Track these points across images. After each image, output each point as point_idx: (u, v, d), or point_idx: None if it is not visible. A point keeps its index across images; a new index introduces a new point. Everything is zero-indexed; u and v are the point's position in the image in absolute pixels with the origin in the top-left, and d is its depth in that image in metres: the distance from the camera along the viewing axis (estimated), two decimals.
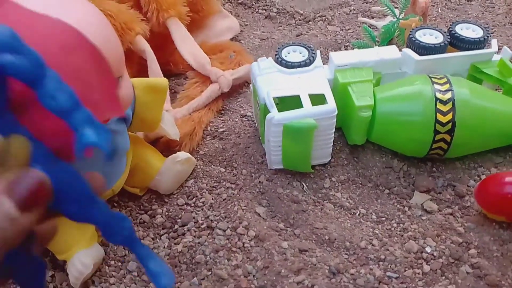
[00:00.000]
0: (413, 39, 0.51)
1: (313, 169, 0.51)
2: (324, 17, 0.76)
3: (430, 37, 0.52)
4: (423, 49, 0.50)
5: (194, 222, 0.46)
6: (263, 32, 0.76)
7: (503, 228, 0.43)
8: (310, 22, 0.76)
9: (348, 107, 0.49)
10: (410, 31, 0.52)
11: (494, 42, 0.52)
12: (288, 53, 0.51)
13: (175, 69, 0.66)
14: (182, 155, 0.49)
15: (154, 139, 0.52)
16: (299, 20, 0.77)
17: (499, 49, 0.52)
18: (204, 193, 0.49)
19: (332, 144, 0.49)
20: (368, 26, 0.71)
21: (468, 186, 0.47)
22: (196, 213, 0.47)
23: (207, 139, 0.55)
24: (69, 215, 0.23)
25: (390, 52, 0.51)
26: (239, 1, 0.83)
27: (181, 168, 0.48)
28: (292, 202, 0.47)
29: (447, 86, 0.46)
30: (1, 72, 0.20)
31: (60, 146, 0.23)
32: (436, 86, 0.46)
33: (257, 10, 0.81)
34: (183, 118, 0.55)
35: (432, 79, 0.47)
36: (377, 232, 0.45)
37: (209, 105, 0.57)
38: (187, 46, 0.60)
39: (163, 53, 0.65)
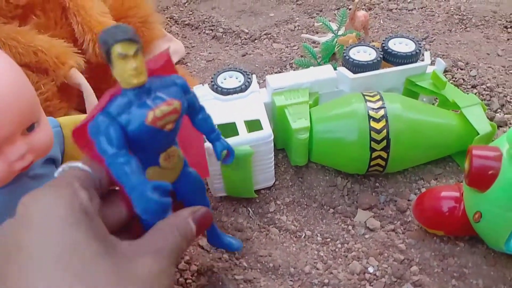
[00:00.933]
0: (347, 57, 0.51)
1: (258, 193, 0.50)
2: (269, 35, 0.76)
3: (364, 54, 0.52)
4: (357, 67, 0.51)
5: None
6: (209, 53, 0.75)
7: (444, 241, 0.43)
8: (256, 41, 0.76)
9: (287, 129, 0.49)
10: (344, 49, 0.52)
11: (427, 55, 0.53)
12: (225, 79, 0.51)
13: None
14: None
15: None
16: (245, 39, 0.77)
17: (442, 57, 0.53)
18: None
19: (273, 167, 0.49)
20: (311, 42, 0.71)
21: (408, 200, 0.47)
22: None
23: None
24: None
25: (325, 72, 0.52)
26: (186, 23, 0.82)
27: None
28: (236, 231, 0.46)
29: (379, 104, 0.46)
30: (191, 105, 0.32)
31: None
32: (369, 104, 0.46)
33: (203, 30, 0.81)
34: None
35: (365, 96, 0.47)
36: (321, 254, 0.44)
37: None
38: None
39: (107, 83, 0.63)
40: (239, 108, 0.48)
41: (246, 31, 0.78)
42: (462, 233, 0.41)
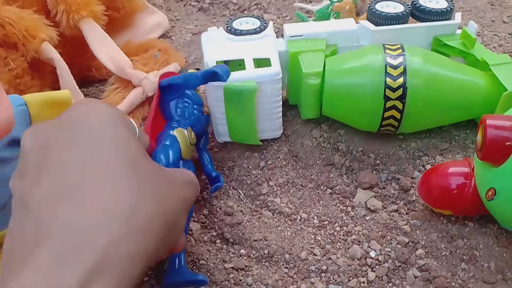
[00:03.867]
0: (372, 9, 0.48)
1: (249, 173, 0.46)
2: (259, 5, 0.71)
3: (391, 8, 0.48)
4: (382, 19, 0.47)
5: None
6: (195, 26, 0.70)
7: (452, 222, 0.39)
8: (245, 11, 0.71)
9: (298, 77, 0.46)
10: (370, 3, 0.48)
11: (458, 15, 0.48)
12: (241, 24, 0.50)
13: (98, 74, 0.60)
14: None
15: None
16: (234, 10, 0.72)
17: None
18: None
19: (280, 115, 0.47)
20: (305, 12, 0.67)
21: (412, 178, 0.44)
22: None
23: None
24: None
25: (346, 23, 0.49)
26: None
27: None
28: (226, 215, 0.42)
29: (399, 52, 0.43)
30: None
31: None
32: (388, 52, 0.43)
33: (189, 2, 0.76)
34: None
35: (385, 46, 0.44)
36: (319, 238, 0.41)
37: (132, 113, 0.52)
38: (104, 49, 0.54)
39: (82, 59, 0.59)
40: (250, 48, 0.46)
41: (235, 1, 0.73)
42: (472, 213, 0.38)
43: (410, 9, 0.48)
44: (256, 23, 0.49)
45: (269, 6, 0.71)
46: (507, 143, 0.31)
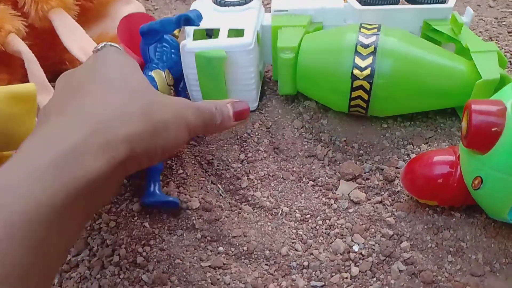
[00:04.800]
0: None
1: (229, 167, 0.44)
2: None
3: None
4: None
5: (89, 250, 0.39)
6: (174, 15, 0.68)
7: (438, 213, 0.38)
8: None
9: (276, 51, 0.46)
10: None
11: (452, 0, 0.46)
12: None
13: (71, 67, 0.58)
14: None
15: None
16: None
17: None
18: (102, 213, 0.42)
19: (255, 86, 0.48)
20: None
21: (396, 168, 0.42)
22: (92, 238, 0.40)
23: None
24: None
25: (333, 2, 0.49)
26: None
27: None
28: (204, 211, 0.41)
29: (374, 31, 0.42)
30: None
31: None
32: (362, 31, 0.43)
33: None
34: None
35: (362, 25, 0.43)
36: (300, 233, 0.39)
37: None
38: (76, 40, 0.52)
39: (55, 51, 0.56)
40: (230, 18, 0.47)
41: None
42: (458, 203, 0.36)
43: None
44: None
45: None
46: (493, 129, 0.29)
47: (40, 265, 0.24)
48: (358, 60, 0.41)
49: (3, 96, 0.37)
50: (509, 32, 0.55)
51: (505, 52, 0.53)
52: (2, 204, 0.23)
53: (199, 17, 0.43)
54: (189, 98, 0.48)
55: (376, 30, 0.43)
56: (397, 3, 0.47)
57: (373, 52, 0.41)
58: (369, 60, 0.41)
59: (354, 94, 0.43)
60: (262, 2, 0.67)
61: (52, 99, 0.32)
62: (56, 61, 0.57)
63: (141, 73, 0.34)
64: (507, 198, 0.31)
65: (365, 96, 0.42)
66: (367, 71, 0.41)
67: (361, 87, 0.42)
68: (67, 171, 0.25)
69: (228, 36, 0.45)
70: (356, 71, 0.41)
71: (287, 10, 0.49)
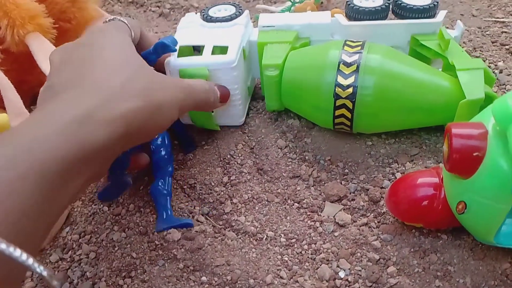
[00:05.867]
0: (349, 4, 0.46)
1: (212, 190, 0.43)
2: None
3: (370, 2, 0.47)
4: (356, 14, 0.46)
5: (69, 283, 0.38)
6: (156, 32, 0.67)
7: (424, 234, 0.37)
8: None
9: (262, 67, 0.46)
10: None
11: (442, 13, 0.45)
12: (219, 10, 0.50)
13: None
14: None
15: None
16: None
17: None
18: (82, 243, 0.41)
19: (240, 103, 0.47)
20: (269, 13, 0.64)
21: (382, 187, 0.41)
22: (72, 271, 0.39)
23: None
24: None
25: (320, 17, 0.48)
26: (130, 1, 0.74)
27: None
28: (186, 240, 0.40)
29: (357, 49, 0.41)
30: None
31: None
32: (346, 49, 0.42)
33: (149, 8, 0.72)
34: None
35: (346, 43, 0.43)
36: (286, 259, 0.38)
37: None
38: None
39: (33, 75, 0.55)
40: (215, 35, 0.47)
41: (196, 5, 0.70)
42: (444, 225, 0.36)
43: (388, 3, 0.46)
44: (231, 10, 0.50)
45: None
46: (474, 154, 0.28)
47: (42, 213, 0.26)
48: (340, 79, 0.41)
49: None
50: (493, 42, 0.55)
51: (489, 63, 0.52)
52: (29, 149, 0.26)
53: (174, 42, 0.43)
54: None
55: (359, 48, 0.42)
56: (384, 18, 0.46)
57: (356, 71, 0.40)
58: (352, 79, 0.40)
59: (337, 112, 0.42)
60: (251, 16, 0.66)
61: (54, 74, 0.33)
62: (34, 84, 0.56)
63: (137, 53, 0.36)
64: (492, 222, 0.30)
65: (348, 115, 0.42)
66: (349, 90, 0.40)
67: (344, 105, 0.41)
68: (79, 135, 0.27)
69: (214, 53, 0.45)
70: (338, 90, 0.41)
71: (274, 26, 0.48)
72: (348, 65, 0.41)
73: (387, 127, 0.44)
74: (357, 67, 0.41)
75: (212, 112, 0.46)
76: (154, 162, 0.43)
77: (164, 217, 0.41)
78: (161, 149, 0.43)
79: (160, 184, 0.42)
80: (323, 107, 0.43)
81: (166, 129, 0.36)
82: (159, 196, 0.42)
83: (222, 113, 0.47)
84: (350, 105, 0.41)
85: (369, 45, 0.42)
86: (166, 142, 0.44)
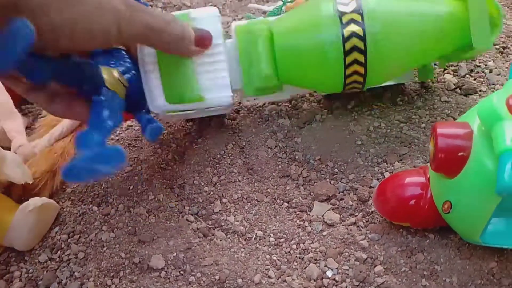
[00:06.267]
0: None
1: (201, 190, 0.43)
2: (214, 7, 0.68)
3: None
4: None
5: (58, 283, 0.38)
6: None
7: (411, 234, 0.37)
8: None
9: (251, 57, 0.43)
10: None
11: None
12: None
13: None
14: (35, 202, 0.40)
15: (6, 183, 0.43)
16: None
17: None
18: (71, 243, 0.41)
19: (226, 71, 0.41)
20: (262, 13, 0.64)
21: (370, 187, 0.41)
22: (60, 271, 0.39)
23: None
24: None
25: None
26: None
27: (36, 218, 0.40)
28: (174, 238, 0.40)
29: None
30: None
31: None
32: (339, 2, 0.40)
33: None
34: (43, 151, 0.46)
35: None
36: (274, 258, 0.38)
37: (76, 131, 0.48)
38: None
39: None
40: None
41: (188, 4, 0.69)
42: (431, 225, 0.36)
43: None
44: None
45: (224, 8, 0.68)
46: (459, 154, 0.29)
47: None
48: (346, 32, 0.39)
49: None
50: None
51: (479, 63, 0.52)
52: None
53: None
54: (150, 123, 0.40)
55: None
56: None
57: (361, 20, 0.39)
58: (356, 27, 0.39)
59: (348, 71, 0.40)
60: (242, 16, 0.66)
61: None
62: None
63: None
64: (477, 222, 0.30)
65: (361, 69, 0.40)
66: (358, 41, 0.39)
67: (355, 61, 0.39)
68: None
69: None
70: (348, 44, 0.39)
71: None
72: (349, 14, 0.39)
73: (396, 70, 0.43)
74: (361, 15, 0.39)
75: (196, 77, 0.40)
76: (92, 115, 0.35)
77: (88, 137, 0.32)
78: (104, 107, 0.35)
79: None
80: (330, 68, 0.40)
81: (95, 44, 0.31)
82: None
83: (206, 84, 0.41)
84: (361, 58, 0.39)
85: None
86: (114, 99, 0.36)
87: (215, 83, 0.41)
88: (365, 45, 0.39)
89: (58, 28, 0.28)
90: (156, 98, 0.40)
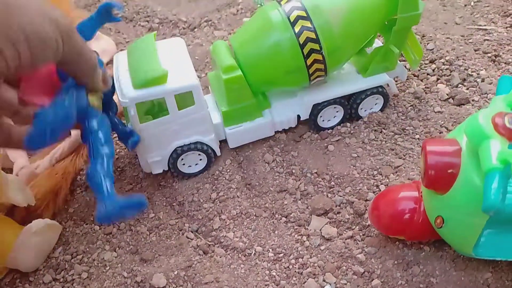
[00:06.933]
0: None
1: (201, 207, 0.44)
2: (210, 22, 0.69)
3: None
4: None
5: None
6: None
7: (407, 246, 0.38)
8: (196, 29, 0.69)
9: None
10: None
11: None
12: None
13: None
14: (38, 224, 0.41)
15: (9, 206, 0.44)
16: (183, 28, 0.70)
17: None
18: (74, 263, 0.41)
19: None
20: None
21: (366, 200, 0.42)
22: None
23: (77, 192, 0.47)
24: None
25: None
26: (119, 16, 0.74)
27: (40, 239, 0.41)
28: (173, 256, 0.40)
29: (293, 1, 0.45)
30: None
31: None
32: (284, 6, 0.45)
33: (138, 23, 0.73)
34: (45, 172, 0.47)
35: (280, 1, 0.46)
36: (273, 273, 0.39)
37: (76, 150, 0.49)
38: None
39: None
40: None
41: (184, 19, 0.70)
42: (426, 238, 0.36)
43: None
44: None
45: (220, 22, 0.69)
46: (449, 171, 0.29)
47: None
48: (297, 30, 0.43)
49: None
50: (475, 50, 0.56)
51: (471, 72, 0.53)
52: None
53: (120, 7, 0.39)
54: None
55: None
56: None
57: (307, 16, 0.43)
58: (306, 23, 0.43)
59: (309, 61, 0.44)
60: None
61: None
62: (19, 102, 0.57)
63: None
64: (469, 236, 0.31)
65: (319, 57, 0.44)
66: (310, 34, 0.43)
67: (312, 50, 0.43)
68: None
69: None
70: (301, 39, 0.43)
71: None
72: (296, 19, 0.43)
73: (352, 50, 0.47)
74: (306, 12, 0.43)
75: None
76: (91, 144, 0.35)
77: (105, 201, 0.31)
78: (98, 130, 0.35)
79: (98, 165, 0.33)
80: (292, 65, 0.44)
81: (50, 54, 0.29)
82: (97, 178, 0.33)
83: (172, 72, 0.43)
84: (316, 46, 0.43)
85: None
86: (104, 123, 0.36)
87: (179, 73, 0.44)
88: (316, 35, 0.43)
89: (14, 39, 0.27)
90: (125, 87, 0.42)
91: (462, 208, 0.30)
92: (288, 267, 0.39)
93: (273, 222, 0.43)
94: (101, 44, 0.66)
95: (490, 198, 0.24)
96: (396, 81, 0.52)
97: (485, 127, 0.27)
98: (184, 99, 0.43)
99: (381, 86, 0.48)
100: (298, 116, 0.49)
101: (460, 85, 0.52)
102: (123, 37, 0.71)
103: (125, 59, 0.44)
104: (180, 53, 0.46)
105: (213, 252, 0.41)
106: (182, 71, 0.43)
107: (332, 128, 0.49)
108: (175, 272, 0.39)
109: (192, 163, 0.46)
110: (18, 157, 0.47)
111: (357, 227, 0.41)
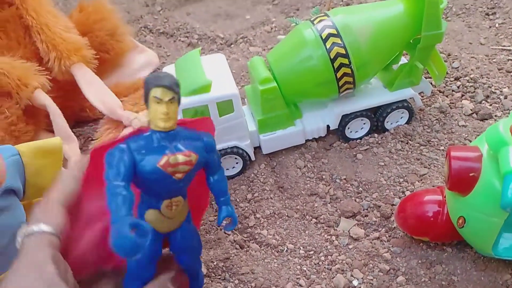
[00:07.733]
0: None
1: (237, 206, 0.48)
2: (245, 38, 0.74)
3: None
4: None
5: None
6: None
7: (431, 248, 0.41)
8: (232, 45, 0.74)
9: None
10: None
11: None
12: None
13: (91, 114, 0.63)
14: None
15: None
16: (221, 44, 0.74)
17: None
18: None
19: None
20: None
21: (392, 205, 0.45)
22: None
23: None
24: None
25: None
26: (161, 31, 0.80)
27: None
28: (214, 249, 0.44)
29: (324, 18, 0.49)
30: (210, 164, 0.32)
31: None
32: (317, 25, 0.49)
33: (179, 38, 0.78)
34: None
35: (313, 21, 0.50)
36: (304, 269, 0.42)
37: None
38: (95, 92, 0.57)
39: (76, 101, 0.61)
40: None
41: (222, 36, 0.75)
42: (448, 239, 0.39)
43: None
44: None
45: (255, 39, 0.73)
46: (470, 174, 0.32)
47: None
48: (329, 46, 0.48)
49: (33, 150, 0.41)
50: (499, 69, 0.59)
51: (495, 89, 0.56)
52: None
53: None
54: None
55: (325, 17, 0.49)
56: None
57: (337, 34, 0.48)
58: (337, 40, 0.48)
59: (339, 74, 0.48)
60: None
61: None
62: (77, 109, 0.62)
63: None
64: (489, 235, 0.34)
65: (348, 70, 0.48)
66: (341, 50, 0.47)
67: (341, 64, 0.48)
68: None
69: None
70: (332, 54, 0.48)
71: None
72: (328, 36, 0.48)
73: (379, 65, 0.51)
74: (336, 30, 0.48)
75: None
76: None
77: None
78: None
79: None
80: (323, 78, 0.49)
81: None
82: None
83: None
84: (346, 61, 0.48)
85: (329, 12, 0.50)
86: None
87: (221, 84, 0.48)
88: (346, 50, 0.47)
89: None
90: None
91: (482, 208, 0.33)
92: (318, 263, 0.42)
93: (303, 222, 0.46)
94: (144, 57, 0.71)
95: (507, 196, 0.27)
96: (421, 97, 0.55)
97: (505, 135, 0.30)
98: (225, 107, 0.48)
99: (405, 101, 0.52)
100: (328, 126, 0.52)
101: (483, 102, 0.55)
102: (164, 51, 0.76)
103: (173, 71, 0.49)
104: (221, 66, 0.50)
105: (248, 247, 0.45)
106: (224, 82, 0.48)
107: (360, 138, 0.52)
108: (215, 263, 0.43)
109: (229, 166, 0.50)
110: (73, 156, 0.52)
111: (384, 229, 0.44)
